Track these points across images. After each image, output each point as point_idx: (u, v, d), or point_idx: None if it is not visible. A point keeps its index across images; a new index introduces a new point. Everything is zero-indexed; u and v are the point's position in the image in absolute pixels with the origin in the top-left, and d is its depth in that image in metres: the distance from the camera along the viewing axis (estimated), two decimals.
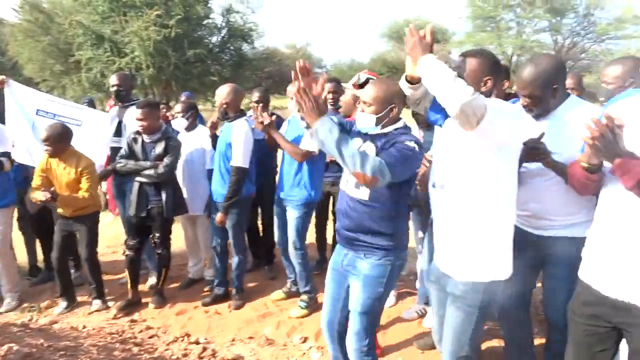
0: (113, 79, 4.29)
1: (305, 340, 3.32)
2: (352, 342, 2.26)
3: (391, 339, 3.19)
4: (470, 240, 1.91)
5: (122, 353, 2.69)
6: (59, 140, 3.60)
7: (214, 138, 3.86)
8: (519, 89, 2.18)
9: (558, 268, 2.24)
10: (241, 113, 3.66)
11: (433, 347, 2.77)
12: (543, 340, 2.62)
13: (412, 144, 2.04)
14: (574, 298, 1.87)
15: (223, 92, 3.62)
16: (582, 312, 1.79)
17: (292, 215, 3.54)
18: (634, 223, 1.60)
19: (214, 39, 15.51)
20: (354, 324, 2.24)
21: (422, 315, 3.41)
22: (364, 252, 2.19)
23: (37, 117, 4.09)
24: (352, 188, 2.21)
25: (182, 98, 5.90)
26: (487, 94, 1.93)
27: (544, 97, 2.12)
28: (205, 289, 4.13)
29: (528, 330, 2.58)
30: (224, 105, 3.60)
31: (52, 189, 3.58)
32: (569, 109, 2.15)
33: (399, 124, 2.17)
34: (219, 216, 3.61)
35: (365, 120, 2.13)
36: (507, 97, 2.85)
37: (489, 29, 26.05)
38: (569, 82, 3.21)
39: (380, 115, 2.09)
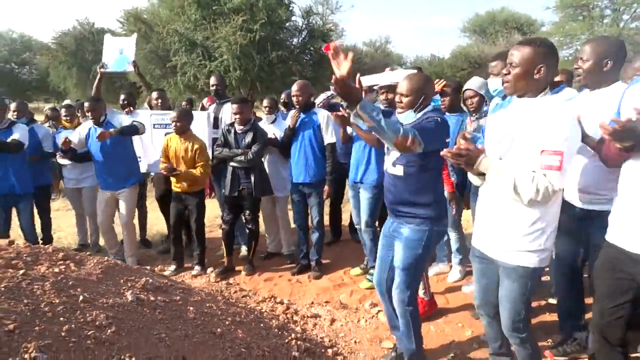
0: (213, 80, 5.06)
1: (374, 305, 3.75)
2: (395, 294, 2.67)
3: (452, 306, 3.54)
4: (521, 229, 2.01)
5: (223, 299, 3.30)
6: (184, 118, 4.38)
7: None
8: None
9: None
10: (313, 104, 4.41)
11: None
12: None
13: (437, 118, 2.44)
14: (600, 258, 2.11)
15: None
16: (607, 269, 2.05)
17: (365, 196, 3.98)
18: None
19: (295, 40, 16.25)
20: (397, 278, 2.65)
21: None
22: (405, 220, 2.59)
23: (154, 130, 4.95)
24: (390, 167, 2.62)
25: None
26: (543, 82, 1.96)
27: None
28: (288, 262, 4.71)
29: (578, 299, 2.78)
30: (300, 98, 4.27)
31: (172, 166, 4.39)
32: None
33: (429, 108, 2.55)
34: (326, 188, 4.25)
35: (405, 117, 2.54)
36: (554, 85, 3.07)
37: (580, 18, 24.58)
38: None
39: (416, 105, 2.51)
